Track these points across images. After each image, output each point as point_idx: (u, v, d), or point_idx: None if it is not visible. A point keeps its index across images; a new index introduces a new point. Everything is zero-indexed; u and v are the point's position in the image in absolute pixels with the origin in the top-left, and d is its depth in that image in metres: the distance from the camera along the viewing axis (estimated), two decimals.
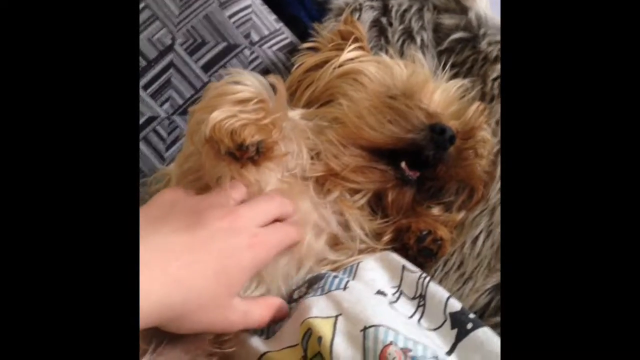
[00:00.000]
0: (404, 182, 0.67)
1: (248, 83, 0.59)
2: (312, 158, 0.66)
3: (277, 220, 0.59)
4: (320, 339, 0.50)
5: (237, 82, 0.59)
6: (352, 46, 0.79)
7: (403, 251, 0.66)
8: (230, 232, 0.53)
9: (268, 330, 0.58)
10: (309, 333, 0.51)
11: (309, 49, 0.83)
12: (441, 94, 0.75)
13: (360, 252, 0.66)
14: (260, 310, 0.56)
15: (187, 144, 0.63)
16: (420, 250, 0.66)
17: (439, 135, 0.67)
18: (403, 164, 0.67)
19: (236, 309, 0.54)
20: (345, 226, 0.66)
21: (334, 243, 0.65)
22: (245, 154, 0.54)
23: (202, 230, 0.52)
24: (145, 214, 0.54)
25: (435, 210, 0.70)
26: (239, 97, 0.57)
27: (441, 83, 0.77)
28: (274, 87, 0.61)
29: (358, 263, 0.62)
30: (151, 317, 0.47)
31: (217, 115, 0.54)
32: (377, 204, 0.68)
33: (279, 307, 0.58)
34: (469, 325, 0.51)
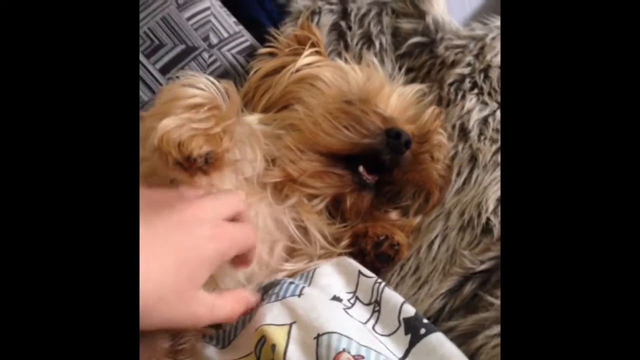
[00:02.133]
0: (362, 187, 0.68)
1: (201, 87, 0.58)
2: (269, 164, 0.66)
3: (234, 219, 0.57)
4: (273, 347, 0.50)
5: (190, 85, 0.58)
6: (309, 51, 0.79)
7: (360, 256, 0.66)
8: (192, 223, 0.51)
9: (224, 339, 0.58)
10: (262, 340, 0.51)
11: (266, 54, 0.83)
12: (397, 99, 0.76)
13: (319, 257, 0.66)
14: (229, 303, 0.54)
15: (140, 149, 0.62)
16: (377, 255, 0.66)
17: (394, 140, 0.67)
18: (361, 168, 0.68)
19: (202, 302, 0.52)
20: (304, 231, 0.66)
21: (291, 250, 0.65)
22: (193, 165, 0.53)
23: (162, 222, 0.50)
24: None
25: (393, 215, 0.71)
26: (191, 103, 0.56)
27: (397, 87, 0.78)
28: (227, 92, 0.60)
29: (315, 269, 0.62)
30: None
31: (165, 125, 0.53)
32: (335, 209, 0.69)
33: (248, 299, 0.57)
34: (422, 331, 0.52)
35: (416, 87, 0.79)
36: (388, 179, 0.70)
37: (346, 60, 0.81)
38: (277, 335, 0.50)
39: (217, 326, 0.59)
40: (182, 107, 0.55)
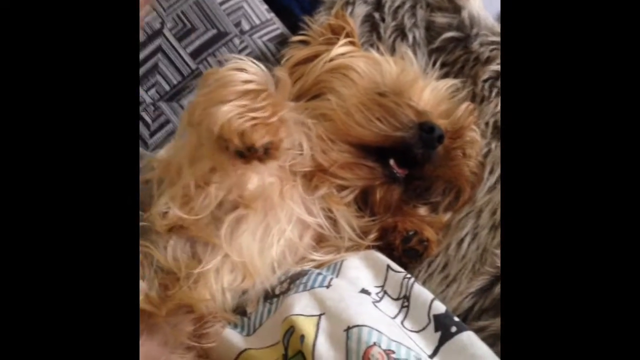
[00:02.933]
0: (392, 180, 0.67)
1: (252, 71, 0.58)
2: (300, 153, 0.65)
3: None
4: (302, 337, 0.49)
5: (240, 70, 0.57)
6: (343, 41, 0.78)
7: (387, 251, 0.65)
8: None
9: (249, 326, 0.57)
10: (290, 331, 0.51)
11: (299, 42, 0.82)
12: (430, 93, 0.74)
13: (347, 249, 0.65)
14: None
15: (187, 134, 0.61)
16: (405, 251, 0.65)
17: (427, 134, 0.66)
18: (392, 162, 0.67)
19: None
20: (333, 222, 0.65)
21: (320, 240, 0.65)
22: (253, 154, 0.53)
23: None
24: None
25: (422, 211, 0.70)
26: (246, 89, 0.56)
27: (431, 81, 0.76)
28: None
29: (342, 261, 0.61)
30: None
31: (225, 112, 0.53)
32: (364, 202, 0.68)
33: None
34: (453, 329, 0.51)
35: (450, 81, 0.78)
36: (419, 173, 0.69)
37: (380, 52, 0.80)
38: (306, 326, 0.50)
39: (241, 313, 0.59)
40: (237, 93, 0.55)
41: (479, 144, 0.72)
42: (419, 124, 0.67)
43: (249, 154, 0.53)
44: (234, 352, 0.54)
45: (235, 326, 0.58)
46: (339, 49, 0.77)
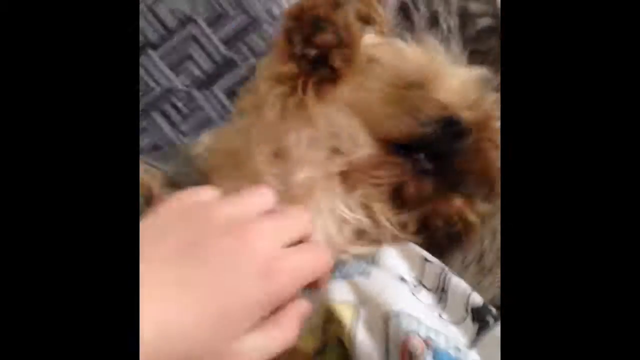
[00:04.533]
0: (422, 174, 0.66)
1: None
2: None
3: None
4: (342, 325, 0.49)
5: None
6: (371, 32, 0.76)
7: (427, 239, 0.65)
8: (239, 254, 0.41)
9: None
10: (329, 318, 0.51)
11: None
12: (458, 83, 0.73)
13: (387, 243, 0.64)
14: (286, 329, 0.44)
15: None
16: (448, 234, 0.65)
17: (452, 128, 0.65)
18: (421, 156, 0.66)
19: (243, 353, 0.41)
20: (372, 219, 0.65)
21: (359, 234, 0.64)
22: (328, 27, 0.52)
23: (202, 253, 0.40)
24: (146, 227, 0.42)
25: (458, 202, 0.69)
26: None
27: (459, 71, 0.75)
28: None
29: (379, 251, 0.61)
30: None
31: None
32: (399, 196, 0.67)
33: (306, 309, 0.47)
34: (491, 321, 0.51)
35: (479, 71, 0.76)
36: (449, 167, 0.68)
37: (407, 42, 0.79)
38: (345, 314, 0.50)
39: None
40: None
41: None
42: (444, 118, 0.66)
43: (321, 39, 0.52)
44: None
45: None
46: (367, 40, 0.75)
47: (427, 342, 0.47)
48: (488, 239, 0.64)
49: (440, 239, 0.65)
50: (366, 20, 0.78)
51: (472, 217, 0.66)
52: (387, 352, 0.47)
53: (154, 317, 0.36)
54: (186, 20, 0.88)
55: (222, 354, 0.39)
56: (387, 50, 0.75)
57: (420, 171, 0.66)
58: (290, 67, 0.55)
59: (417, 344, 0.47)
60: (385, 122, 0.66)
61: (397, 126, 0.65)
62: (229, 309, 0.39)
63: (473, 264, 0.63)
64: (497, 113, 0.72)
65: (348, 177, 0.64)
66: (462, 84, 0.73)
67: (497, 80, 0.78)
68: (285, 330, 0.43)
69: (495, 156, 0.70)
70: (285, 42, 0.54)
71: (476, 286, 0.60)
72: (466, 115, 0.69)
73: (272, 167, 0.60)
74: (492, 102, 0.73)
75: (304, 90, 0.57)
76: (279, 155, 0.59)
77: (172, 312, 0.37)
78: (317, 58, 0.55)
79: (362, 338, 0.48)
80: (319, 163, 0.62)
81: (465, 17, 0.86)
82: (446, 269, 0.58)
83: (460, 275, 0.62)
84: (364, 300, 0.52)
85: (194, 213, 0.43)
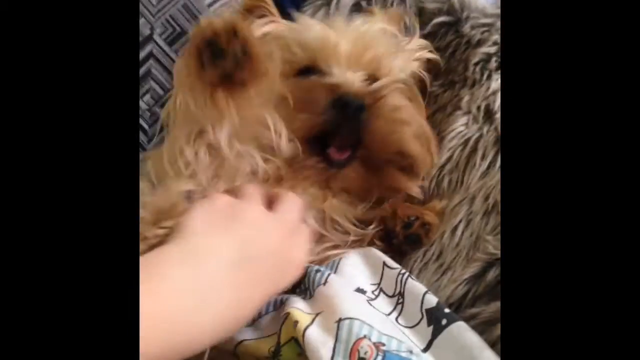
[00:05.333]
0: (339, 167, 0.66)
1: None
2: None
3: None
4: (296, 323, 0.50)
5: None
6: (264, 21, 0.74)
7: (388, 240, 0.65)
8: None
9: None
10: (285, 317, 0.52)
11: None
12: (350, 44, 0.70)
13: (352, 242, 0.65)
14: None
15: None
16: (407, 237, 0.65)
17: (344, 110, 0.63)
18: (330, 150, 0.65)
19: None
20: (328, 220, 0.64)
21: (318, 238, 0.64)
22: (229, 46, 0.51)
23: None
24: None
25: (403, 181, 0.69)
26: None
27: (351, 30, 0.72)
28: None
29: (340, 258, 0.61)
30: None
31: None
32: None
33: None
34: (444, 321, 0.51)
35: (377, 25, 0.74)
36: (365, 149, 0.67)
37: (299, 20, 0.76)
38: (301, 316, 0.51)
39: None
40: None
41: (406, 108, 0.70)
42: (334, 101, 0.63)
43: (220, 50, 0.51)
44: (232, 343, 0.55)
45: None
46: (262, 29, 0.73)
47: (377, 346, 0.47)
48: (447, 236, 0.65)
49: (400, 244, 0.65)
50: (253, 10, 0.75)
51: (430, 218, 0.66)
52: (334, 351, 0.47)
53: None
54: (145, 41, 0.89)
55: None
56: (276, 40, 0.72)
57: (335, 166, 0.65)
58: (200, 76, 0.55)
59: (366, 347, 0.47)
60: (288, 121, 0.63)
61: (300, 122, 0.64)
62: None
63: (432, 261, 0.63)
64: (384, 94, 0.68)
65: (283, 178, 0.63)
66: (354, 42, 0.70)
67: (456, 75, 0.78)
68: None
69: (403, 130, 0.68)
70: (194, 58, 0.54)
71: (435, 283, 0.61)
72: (355, 89, 0.66)
73: (194, 146, 0.59)
74: (381, 56, 0.71)
75: (215, 92, 0.56)
76: (201, 137, 0.58)
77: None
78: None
79: (315, 336, 0.48)
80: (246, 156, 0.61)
81: (422, 15, 0.86)
82: (403, 271, 0.58)
83: (421, 273, 0.62)
84: (322, 307, 0.52)
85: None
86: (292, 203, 0.57)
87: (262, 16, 0.75)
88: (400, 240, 0.65)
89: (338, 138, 0.65)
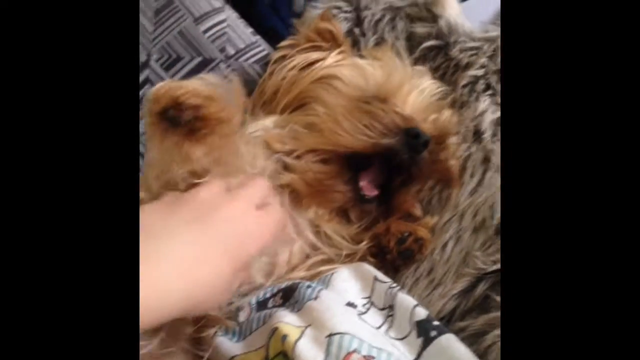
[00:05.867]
0: (363, 202, 0.68)
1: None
2: (283, 168, 0.66)
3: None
4: (284, 337, 0.51)
5: None
6: (335, 52, 0.79)
7: (380, 255, 0.67)
8: (237, 217, 0.53)
9: (240, 332, 0.58)
10: (273, 332, 0.52)
11: (288, 46, 0.83)
12: (417, 97, 0.75)
13: (344, 258, 0.66)
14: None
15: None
16: (400, 252, 0.66)
17: (413, 139, 0.67)
18: (362, 183, 0.68)
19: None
20: (324, 236, 0.66)
21: (312, 251, 0.66)
22: (181, 115, 0.52)
23: (211, 221, 0.51)
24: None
25: (417, 210, 0.71)
26: None
27: (418, 85, 0.77)
28: None
29: (332, 273, 0.63)
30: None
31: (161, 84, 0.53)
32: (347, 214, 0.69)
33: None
34: (433, 333, 0.52)
35: (435, 85, 0.79)
36: (403, 180, 0.70)
37: (364, 57, 0.81)
38: (291, 331, 0.51)
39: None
40: None
41: (459, 148, 0.73)
42: (405, 129, 0.68)
43: (177, 113, 0.52)
44: (225, 358, 0.55)
45: (226, 333, 0.59)
46: (328, 60, 0.78)
47: (367, 359, 0.48)
48: (438, 252, 0.66)
49: (394, 259, 0.66)
50: (325, 36, 0.80)
51: (423, 233, 0.67)
52: None
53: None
54: (142, 67, 0.91)
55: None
56: (346, 67, 0.77)
57: (360, 200, 0.68)
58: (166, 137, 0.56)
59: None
60: (347, 135, 0.67)
61: (359, 138, 0.67)
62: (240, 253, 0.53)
63: (423, 277, 0.64)
64: (452, 129, 0.74)
65: (297, 195, 0.66)
66: (420, 97, 0.75)
67: (450, 96, 0.80)
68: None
69: (453, 165, 0.72)
70: (155, 126, 0.55)
71: (426, 298, 0.62)
72: (425, 127, 0.71)
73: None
74: (448, 117, 0.75)
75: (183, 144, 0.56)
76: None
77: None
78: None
79: (304, 350, 0.49)
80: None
81: (412, 40, 0.89)
82: (394, 285, 0.59)
83: (412, 289, 0.63)
84: (311, 321, 0.53)
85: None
86: (258, 185, 0.58)
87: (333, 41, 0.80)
88: (394, 256, 0.67)
89: (372, 171, 0.69)
